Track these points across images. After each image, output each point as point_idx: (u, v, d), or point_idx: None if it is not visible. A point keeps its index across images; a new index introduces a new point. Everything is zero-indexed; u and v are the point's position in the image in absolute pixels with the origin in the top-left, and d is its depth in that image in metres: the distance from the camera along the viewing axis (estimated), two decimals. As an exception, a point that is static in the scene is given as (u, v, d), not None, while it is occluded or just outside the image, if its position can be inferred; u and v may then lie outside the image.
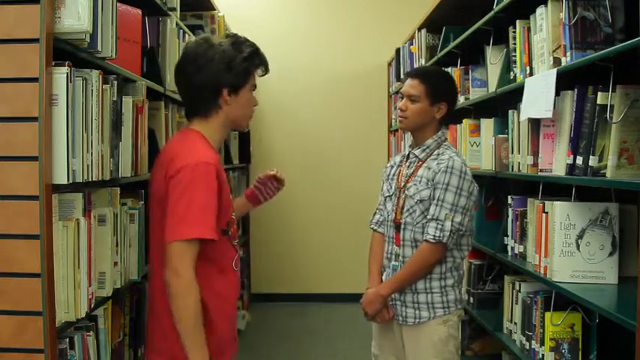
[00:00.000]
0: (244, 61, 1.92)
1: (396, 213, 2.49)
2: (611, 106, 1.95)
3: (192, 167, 1.80)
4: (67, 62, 1.65)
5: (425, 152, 2.48)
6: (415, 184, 2.43)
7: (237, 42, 1.95)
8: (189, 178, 1.79)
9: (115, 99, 1.96)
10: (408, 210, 2.44)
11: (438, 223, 2.34)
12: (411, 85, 2.48)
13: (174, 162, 1.84)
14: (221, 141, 2.06)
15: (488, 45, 3.21)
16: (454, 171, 2.36)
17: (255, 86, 2.02)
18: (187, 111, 2.03)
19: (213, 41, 1.94)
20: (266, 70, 2.03)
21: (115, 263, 2.01)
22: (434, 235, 2.34)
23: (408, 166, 2.51)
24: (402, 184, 2.50)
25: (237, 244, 2.07)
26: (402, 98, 2.51)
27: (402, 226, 2.45)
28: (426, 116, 2.47)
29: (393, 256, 2.50)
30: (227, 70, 1.90)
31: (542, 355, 2.36)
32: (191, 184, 1.78)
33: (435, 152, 2.46)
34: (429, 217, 2.37)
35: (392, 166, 2.63)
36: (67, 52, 1.71)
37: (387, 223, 2.55)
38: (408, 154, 2.55)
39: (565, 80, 2.24)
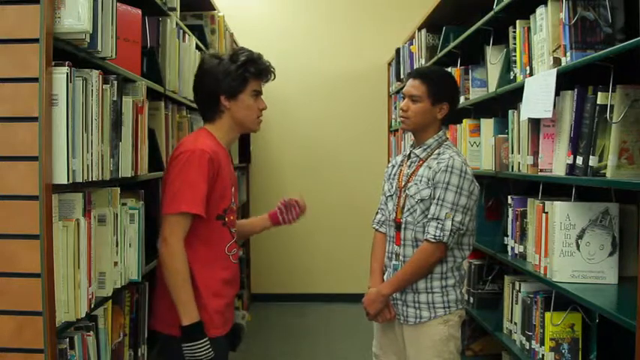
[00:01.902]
0: (238, 69, 2.16)
1: (396, 212, 2.50)
2: (611, 106, 1.95)
3: (189, 153, 2.07)
4: (67, 62, 1.65)
5: (426, 152, 2.48)
6: (416, 184, 2.43)
7: (236, 53, 2.20)
8: (184, 161, 2.06)
9: (115, 99, 1.95)
10: (408, 209, 2.44)
11: (438, 223, 2.34)
12: (412, 86, 2.48)
13: (177, 150, 2.14)
14: (230, 141, 2.29)
15: (488, 45, 3.21)
16: (454, 170, 2.36)
17: (257, 92, 2.23)
18: (201, 116, 2.31)
19: (217, 54, 2.24)
20: (268, 76, 2.24)
21: (115, 263, 2.01)
22: (434, 235, 2.34)
23: (409, 166, 2.52)
24: (403, 183, 2.50)
25: (236, 232, 2.26)
26: (404, 98, 2.51)
27: (403, 226, 2.45)
28: (427, 116, 2.47)
29: (394, 256, 2.50)
30: (223, 78, 2.16)
31: (542, 355, 2.36)
32: (185, 167, 2.05)
33: (436, 152, 2.46)
34: (429, 216, 2.37)
35: (393, 166, 2.63)
36: (67, 52, 1.71)
37: (388, 223, 2.55)
38: (409, 154, 2.55)
39: (565, 80, 2.24)
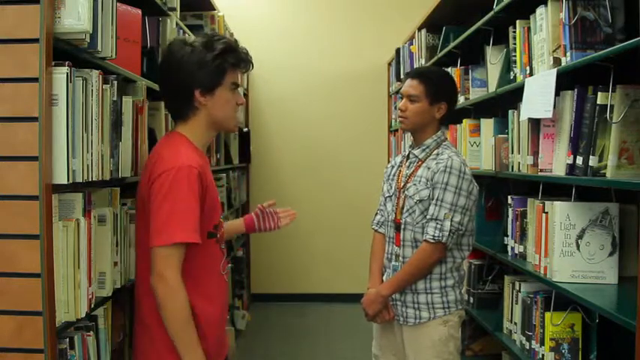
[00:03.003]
0: (215, 59, 1.86)
1: (396, 213, 2.49)
2: (611, 106, 1.95)
3: (175, 171, 1.78)
4: (67, 62, 1.65)
5: (424, 152, 2.48)
6: (415, 184, 2.43)
7: (210, 40, 1.90)
8: (171, 181, 1.77)
9: (115, 99, 1.95)
10: (407, 210, 2.44)
11: (437, 223, 2.34)
12: (410, 85, 2.48)
13: (156, 166, 1.84)
14: (206, 143, 2.03)
15: (488, 45, 3.21)
16: (453, 170, 2.36)
17: (235, 84, 1.95)
18: (170, 114, 2.03)
19: (187, 41, 1.92)
20: (246, 66, 1.97)
21: (115, 263, 2.01)
22: (433, 235, 2.34)
23: (408, 166, 2.51)
24: (402, 184, 2.50)
25: (225, 247, 2.05)
26: (402, 98, 2.51)
27: (402, 227, 2.45)
28: (426, 116, 2.47)
29: (393, 257, 2.50)
30: (198, 70, 1.86)
31: (542, 355, 2.36)
32: (173, 188, 1.77)
33: (435, 152, 2.46)
34: (428, 216, 2.37)
35: (392, 167, 2.63)
36: (67, 52, 1.71)
37: (388, 224, 2.55)
38: (408, 154, 2.55)
39: (565, 80, 2.24)
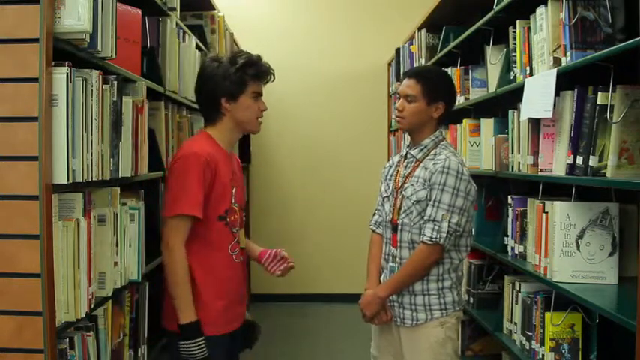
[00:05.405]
0: (237, 71, 2.20)
1: (393, 214, 2.48)
2: (611, 106, 1.95)
3: (185, 157, 2.14)
4: (67, 62, 1.65)
5: (422, 152, 2.47)
6: (412, 185, 2.42)
7: (235, 56, 2.25)
8: (181, 166, 2.13)
9: (115, 99, 1.96)
10: (405, 211, 2.43)
11: (434, 225, 2.33)
12: (407, 85, 2.47)
13: (175, 155, 2.23)
14: (230, 142, 2.33)
15: (488, 45, 3.22)
16: (450, 171, 2.35)
17: (257, 93, 2.26)
18: (204, 118, 2.36)
19: (217, 57, 2.27)
20: (267, 78, 2.28)
21: (115, 263, 2.01)
22: (431, 237, 2.33)
23: (406, 167, 2.50)
24: (400, 184, 2.49)
25: (238, 232, 2.28)
26: (400, 98, 2.50)
27: (400, 227, 2.44)
28: (423, 116, 2.45)
29: (391, 258, 2.49)
30: (223, 81, 2.20)
31: (542, 355, 2.36)
32: (182, 172, 2.12)
33: (432, 152, 2.45)
34: (425, 218, 2.36)
35: (390, 167, 2.62)
36: (67, 52, 1.71)
37: (385, 224, 2.54)
38: (406, 154, 2.54)
39: (565, 80, 2.24)
